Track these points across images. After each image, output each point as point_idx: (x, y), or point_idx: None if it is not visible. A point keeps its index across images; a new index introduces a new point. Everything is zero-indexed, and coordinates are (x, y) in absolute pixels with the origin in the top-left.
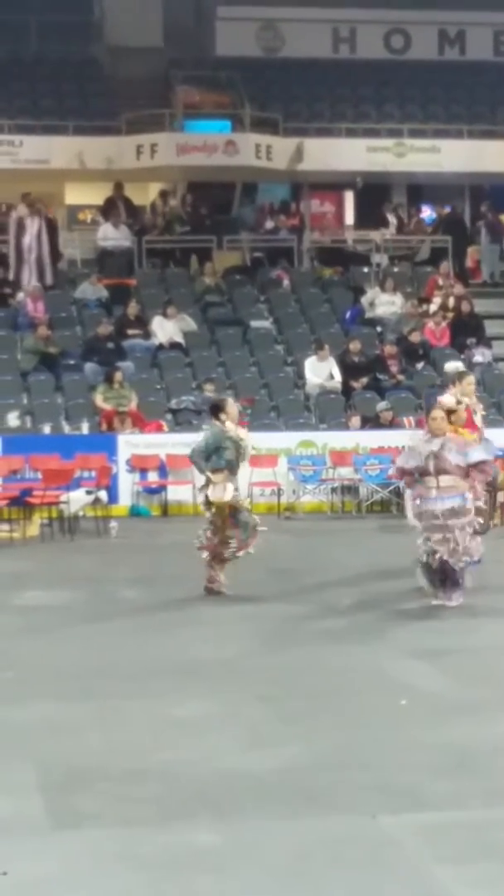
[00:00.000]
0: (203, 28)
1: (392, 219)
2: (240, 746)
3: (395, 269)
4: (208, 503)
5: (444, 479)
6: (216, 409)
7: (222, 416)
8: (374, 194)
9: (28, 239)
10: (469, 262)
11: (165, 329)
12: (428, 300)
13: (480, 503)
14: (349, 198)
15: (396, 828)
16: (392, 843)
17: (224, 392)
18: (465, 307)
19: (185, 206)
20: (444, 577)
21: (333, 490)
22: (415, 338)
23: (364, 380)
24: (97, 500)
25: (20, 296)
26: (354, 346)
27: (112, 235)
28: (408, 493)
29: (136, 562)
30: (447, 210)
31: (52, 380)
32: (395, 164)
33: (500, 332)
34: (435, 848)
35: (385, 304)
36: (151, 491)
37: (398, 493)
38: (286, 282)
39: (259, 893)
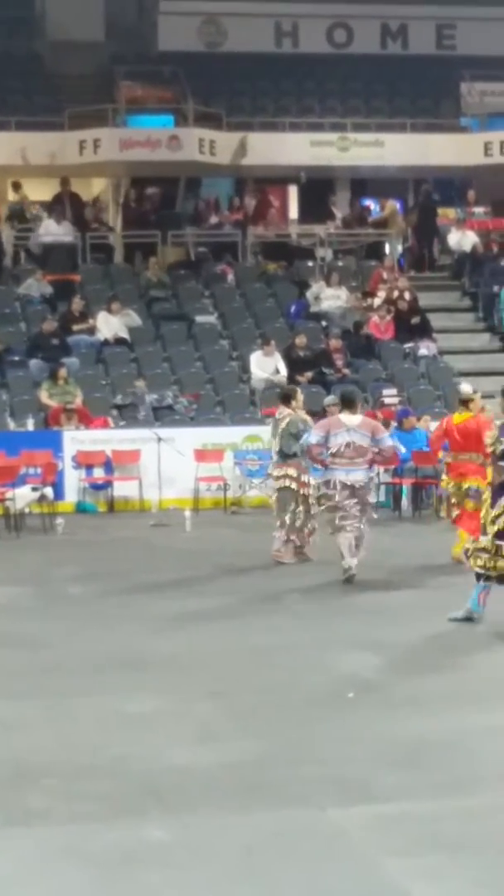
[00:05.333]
0: (145, 23)
1: (337, 212)
2: (189, 741)
3: (340, 264)
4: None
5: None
6: (287, 398)
7: (293, 404)
8: (318, 189)
9: None
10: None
11: (110, 324)
12: (373, 294)
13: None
14: (293, 192)
15: (346, 820)
16: (342, 835)
17: (168, 387)
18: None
19: (131, 201)
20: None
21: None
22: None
23: (309, 374)
24: (43, 497)
25: None
26: (300, 340)
27: (54, 231)
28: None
29: (82, 558)
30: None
31: None
32: (339, 158)
33: (445, 325)
34: (384, 840)
35: (330, 298)
36: (97, 487)
37: None
38: (231, 276)
39: (209, 888)
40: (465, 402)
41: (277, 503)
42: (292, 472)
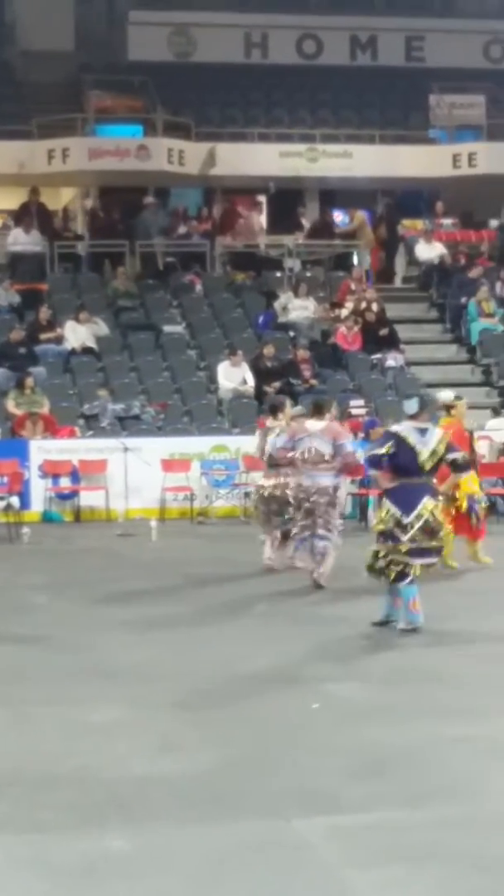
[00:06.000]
0: (115, 33)
1: (306, 223)
2: (153, 752)
3: (308, 274)
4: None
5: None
6: (276, 409)
7: (281, 416)
8: (287, 199)
9: None
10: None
11: (78, 334)
12: (340, 305)
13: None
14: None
15: (309, 831)
16: (305, 846)
17: (135, 397)
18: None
19: (98, 210)
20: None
21: (246, 495)
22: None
23: (277, 384)
24: (9, 506)
25: None
26: (267, 350)
27: (23, 240)
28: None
29: (48, 567)
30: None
31: None
32: (308, 169)
33: (412, 336)
34: (348, 851)
35: (298, 308)
36: (64, 496)
37: None
38: (199, 286)
39: None
40: (448, 409)
41: (265, 513)
42: (282, 480)
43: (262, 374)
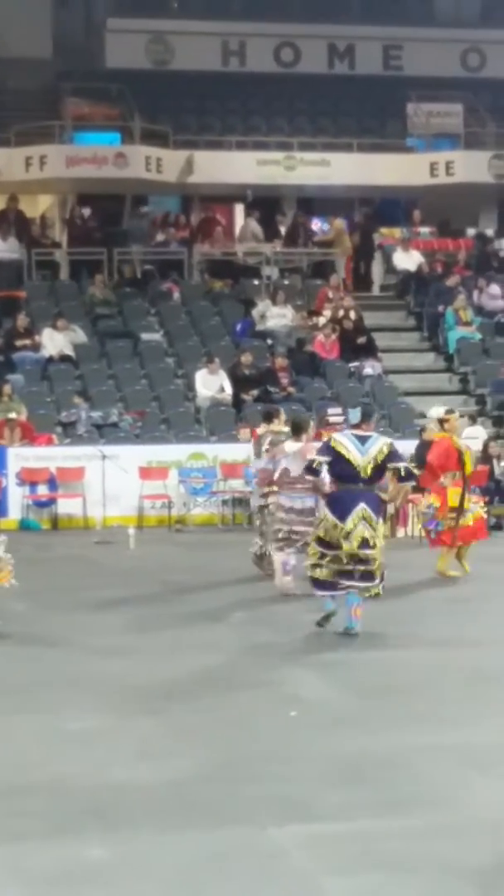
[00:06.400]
0: (92, 40)
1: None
2: (130, 759)
3: (286, 282)
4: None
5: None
6: (270, 417)
7: (275, 422)
8: (265, 207)
9: None
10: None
11: (55, 341)
12: (318, 313)
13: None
14: (239, 210)
15: (285, 839)
16: (280, 854)
17: (113, 404)
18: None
19: (75, 218)
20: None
21: (224, 502)
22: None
23: (255, 392)
24: None
25: None
26: (245, 358)
27: (0, 248)
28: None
29: (25, 575)
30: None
31: None
32: (285, 176)
33: (390, 344)
34: (323, 859)
35: (276, 316)
36: (41, 504)
37: None
38: (176, 294)
39: None
40: (441, 423)
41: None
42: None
43: (240, 382)
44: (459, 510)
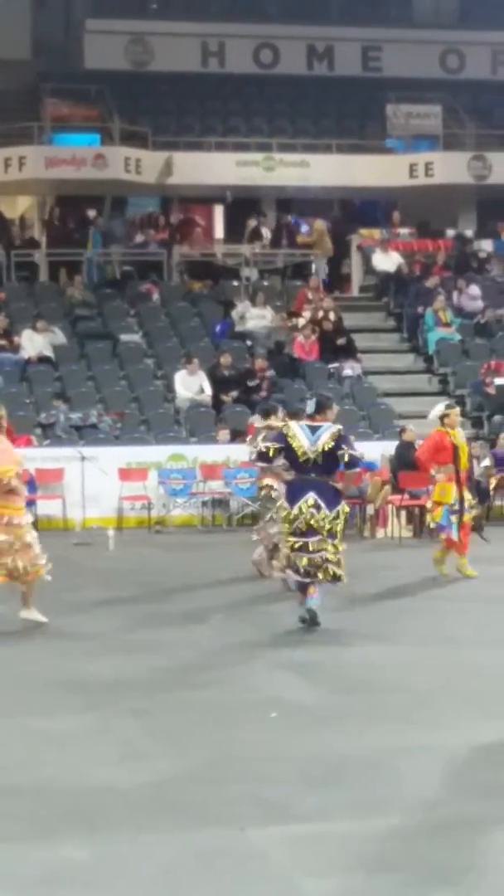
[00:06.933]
0: (72, 41)
1: (266, 232)
2: (112, 761)
3: (265, 283)
4: None
5: None
6: (268, 413)
7: (273, 418)
8: (244, 208)
9: None
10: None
11: (34, 343)
12: (297, 314)
13: None
14: (219, 211)
15: (265, 841)
16: (260, 856)
17: (92, 405)
18: (332, 320)
19: (54, 219)
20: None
21: (204, 503)
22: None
23: (234, 393)
24: None
25: None
26: (224, 359)
27: None
28: None
29: None
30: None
31: None
32: (265, 178)
33: (369, 345)
34: (303, 860)
35: (255, 317)
36: None
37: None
38: (156, 295)
39: None
40: (441, 419)
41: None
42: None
43: (220, 383)
44: (460, 507)
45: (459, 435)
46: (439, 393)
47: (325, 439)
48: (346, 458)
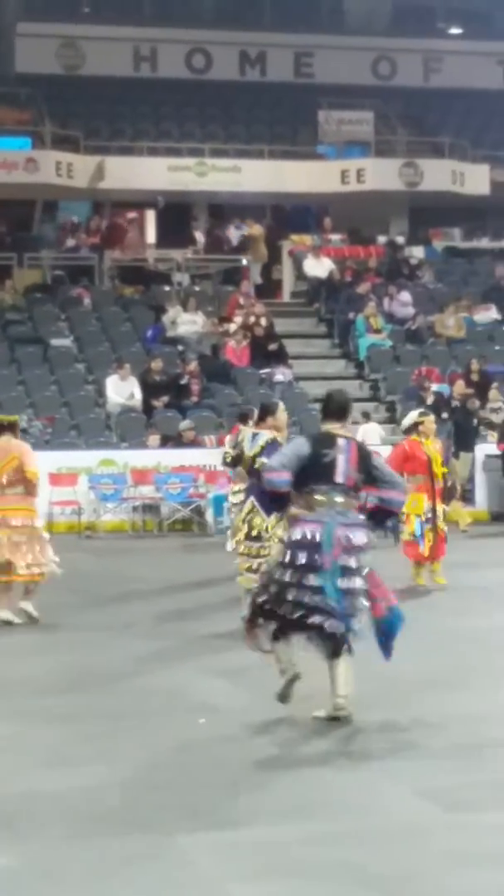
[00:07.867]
0: (2, 45)
1: (200, 237)
2: (39, 766)
3: (197, 289)
4: None
5: None
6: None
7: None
8: (176, 213)
9: None
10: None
11: None
12: (229, 319)
13: None
14: (150, 217)
15: (193, 847)
16: (188, 861)
17: (22, 410)
18: (263, 325)
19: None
20: None
21: (135, 509)
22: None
23: (165, 398)
24: None
25: None
26: (156, 364)
27: None
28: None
29: None
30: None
31: None
32: (197, 183)
33: (300, 351)
34: (231, 866)
35: (186, 323)
36: None
37: (199, 512)
38: (87, 300)
39: None
40: (415, 426)
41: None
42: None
43: (151, 389)
44: (433, 518)
45: (433, 444)
46: (370, 399)
47: (257, 446)
48: (256, 465)
